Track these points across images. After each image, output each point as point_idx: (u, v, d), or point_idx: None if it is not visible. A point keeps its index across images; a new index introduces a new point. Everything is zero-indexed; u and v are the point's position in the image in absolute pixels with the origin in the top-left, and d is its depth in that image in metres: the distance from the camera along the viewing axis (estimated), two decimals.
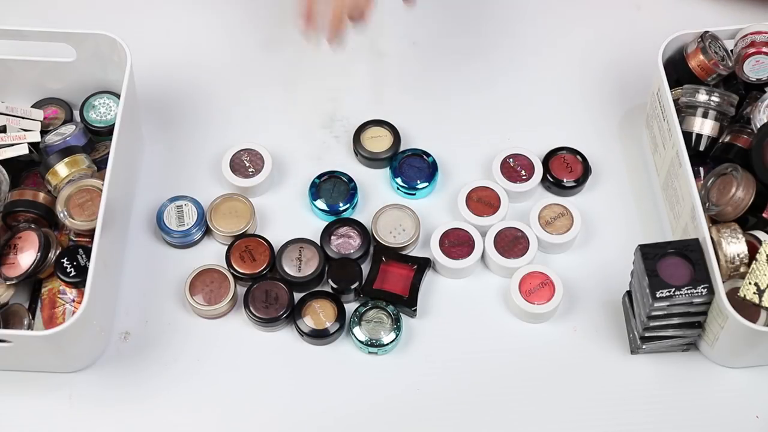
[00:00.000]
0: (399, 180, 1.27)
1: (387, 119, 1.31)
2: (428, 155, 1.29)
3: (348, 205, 1.26)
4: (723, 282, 1.11)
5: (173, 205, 1.25)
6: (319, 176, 1.27)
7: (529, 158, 1.29)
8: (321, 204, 1.26)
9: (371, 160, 1.29)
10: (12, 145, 1.21)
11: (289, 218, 1.27)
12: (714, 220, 1.17)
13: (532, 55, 1.39)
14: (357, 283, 1.21)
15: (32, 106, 1.29)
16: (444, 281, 1.24)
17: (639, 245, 1.13)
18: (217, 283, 1.21)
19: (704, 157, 1.23)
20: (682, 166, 1.17)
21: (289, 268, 1.22)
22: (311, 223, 1.26)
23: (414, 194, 1.27)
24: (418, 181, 1.27)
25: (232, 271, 1.22)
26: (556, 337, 1.20)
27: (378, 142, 1.29)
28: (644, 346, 1.17)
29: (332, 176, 1.28)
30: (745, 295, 1.11)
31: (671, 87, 1.22)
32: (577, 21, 1.42)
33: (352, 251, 1.23)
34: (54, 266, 1.18)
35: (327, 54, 1.26)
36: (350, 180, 1.27)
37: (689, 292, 1.10)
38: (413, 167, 1.28)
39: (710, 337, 1.14)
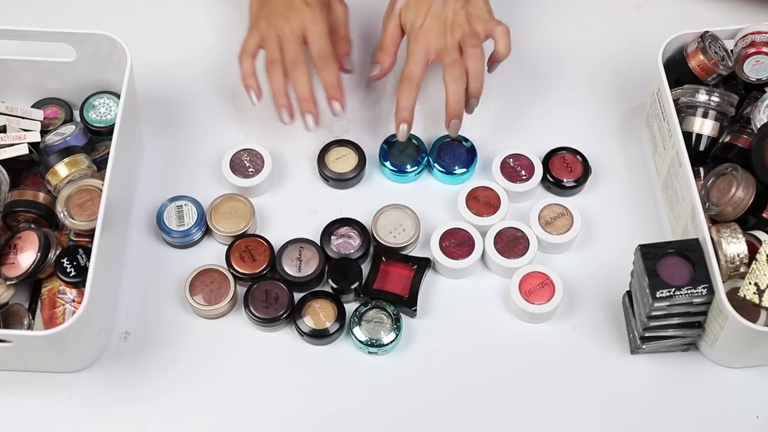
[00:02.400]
0: (437, 165, 1.28)
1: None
2: (466, 140, 1.29)
3: (416, 167, 1.28)
4: (723, 282, 1.11)
5: (173, 205, 1.25)
6: (391, 137, 1.29)
7: (529, 158, 1.29)
8: (389, 164, 1.28)
9: (339, 181, 1.28)
10: (12, 145, 1.21)
11: (289, 218, 1.27)
12: (714, 220, 1.17)
13: (531, 55, 1.39)
14: (357, 283, 1.21)
15: (32, 106, 1.29)
16: (444, 281, 1.24)
17: (639, 245, 1.13)
18: (217, 283, 1.21)
19: (704, 157, 1.23)
20: (682, 166, 1.18)
21: (289, 268, 1.22)
22: (311, 223, 1.26)
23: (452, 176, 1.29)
24: (456, 167, 1.28)
25: (232, 271, 1.22)
26: (556, 337, 1.20)
27: (344, 162, 1.29)
28: (644, 346, 1.17)
29: None
30: (745, 295, 1.11)
31: (671, 87, 1.22)
32: (577, 21, 1.42)
33: (352, 251, 1.23)
34: (54, 266, 1.18)
35: None
36: (420, 143, 1.29)
37: (689, 292, 1.10)
38: (452, 152, 1.29)
39: (710, 337, 1.14)
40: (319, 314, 1.19)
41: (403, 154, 1.29)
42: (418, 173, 1.29)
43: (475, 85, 1.25)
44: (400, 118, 1.25)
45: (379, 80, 1.31)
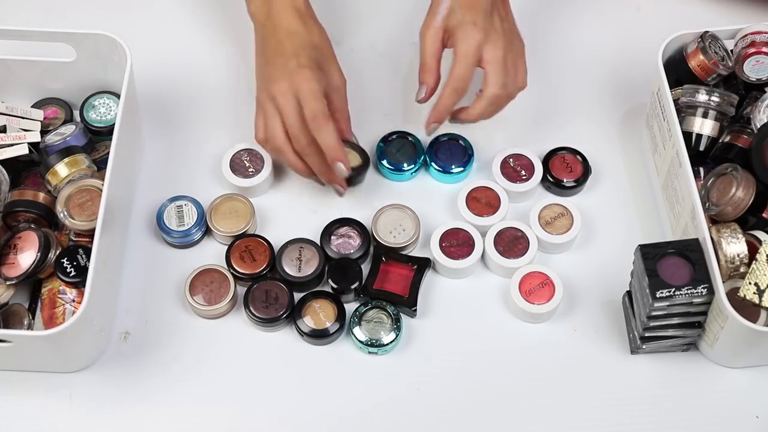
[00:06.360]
0: (434, 164, 1.28)
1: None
2: (463, 139, 1.30)
3: (412, 166, 1.28)
4: (723, 282, 1.11)
5: (173, 205, 1.25)
6: (388, 135, 1.29)
7: (529, 158, 1.29)
8: (386, 163, 1.28)
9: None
10: (12, 145, 1.22)
11: (289, 218, 1.27)
12: (714, 220, 1.17)
13: (531, 56, 1.39)
14: (357, 283, 1.21)
15: (32, 106, 1.29)
16: (444, 281, 1.24)
17: (639, 245, 1.13)
18: (217, 283, 1.21)
19: (704, 157, 1.23)
20: (682, 166, 1.18)
21: (289, 268, 1.22)
22: (311, 223, 1.26)
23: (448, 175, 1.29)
24: (453, 165, 1.28)
25: (232, 271, 1.22)
26: (556, 337, 1.20)
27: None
28: (644, 346, 1.17)
29: (400, 136, 1.29)
30: (745, 295, 1.11)
31: (671, 87, 1.22)
32: (577, 21, 1.42)
33: (352, 251, 1.23)
34: (54, 266, 1.18)
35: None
36: (417, 141, 1.29)
37: (689, 292, 1.10)
38: (448, 151, 1.29)
39: (710, 337, 1.14)
40: (319, 314, 1.19)
41: (399, 152, 1.29)
42: (415, 172, 1.29)
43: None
44: (434, 118, 1.25)
45: (427, 102, 1.26)
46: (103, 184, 1.15)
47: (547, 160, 1.29)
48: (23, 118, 1.25)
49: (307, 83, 1.19)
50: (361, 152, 1.28)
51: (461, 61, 1.21)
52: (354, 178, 1.27)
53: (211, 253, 1.25)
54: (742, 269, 1.13)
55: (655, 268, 1.11)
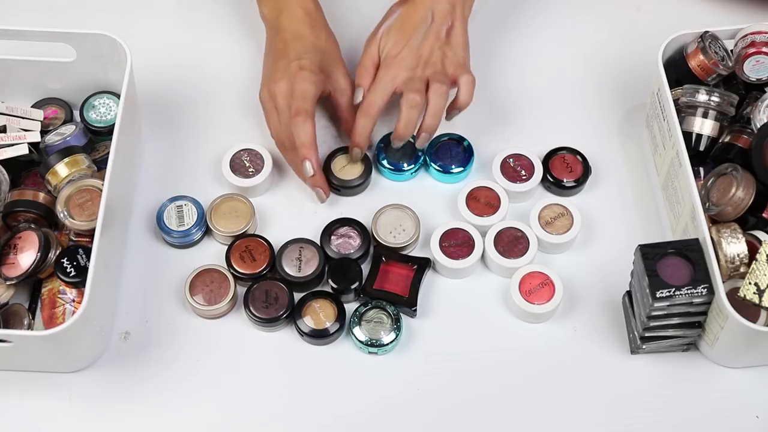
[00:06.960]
0: (434, 164, 1.29)
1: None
2: (463, 139, 1.30)
3: (412, 166, 1.28)
4: (723, 282, 1.11)
5: (173, 205, 1.25)
6: (388, 135, 1.29)
7: (529, 158, 1.29)
8: (386, 163, 1.28)
9: (345, 188, 1.27)
10: (12, 145, 1.22)
11: (289, 218, 1.27)
12: (714, 220, 1.17)
13: (531, 56, 1.39)
14: (357, 283, 1.21)
15: (32, 106, 1.29)
16: (444, 281, 1.24)
17: (639, 245, 1.13)
18: (217, 283, 1.21)
19: (704, 157, 1.23)
20: (682, 166, 1.18)
21: (289, 268, 1.22)
22: (311, 223, 1.26)
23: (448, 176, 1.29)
24: (453, 166, 1.28)
25: (232, 271, 1.22)
26: (556, 337, 1.20)
27: (349, 169, 1.28)
28: (644, 346, 1.17)
29: None
30: (745, 295, 1.11)
31: (671, 87, 1.22)
32: (577, 21, 1.42)
33: (352, 251, 1.23)
34: (54, 266, 1.18)
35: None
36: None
37: (689, 292, 1.10)
38: (448, 151, 1.29)
39: (710, 337, 1.14)
40: (319, 314, 1.19)
41: (399, 152, 1.29)
42: (415, 172, 1.29)
43: (431, 120, 1.25)
44: (354, 142, 1.26)
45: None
46: (103, 184, 1.15)
47: (547, 160, 1.29)
48: (23, 118, 1.25)
49: (301, 83, 1.22)
50: (365, 161, 1.28)
51: (374, 89, 1.25)
52: (356, 188, 1.27)
53: (211, 253, 1.25)
54: (742, 269, 1.13)
55: (655, 268, 1.11)
